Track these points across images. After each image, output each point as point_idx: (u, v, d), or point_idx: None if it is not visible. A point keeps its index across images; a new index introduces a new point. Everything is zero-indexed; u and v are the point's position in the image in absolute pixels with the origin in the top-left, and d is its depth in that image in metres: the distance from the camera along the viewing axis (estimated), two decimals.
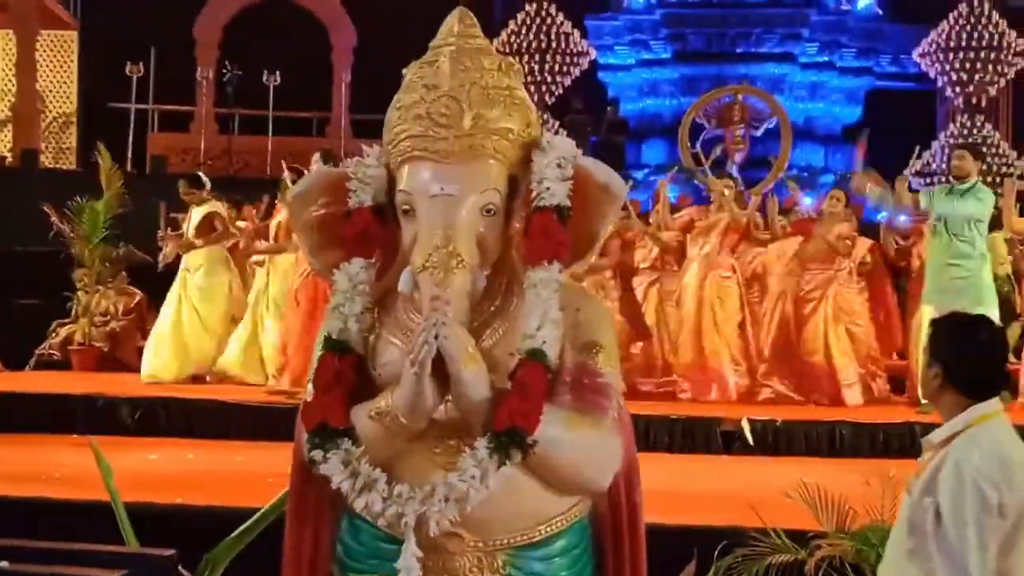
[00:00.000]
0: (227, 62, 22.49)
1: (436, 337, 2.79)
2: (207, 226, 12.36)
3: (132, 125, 21.09)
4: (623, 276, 12.42)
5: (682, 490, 8.02)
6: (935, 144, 19.49)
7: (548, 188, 3.01)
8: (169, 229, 12.78)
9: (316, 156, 11.61)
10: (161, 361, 12.15)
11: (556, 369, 2.99)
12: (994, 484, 3.44)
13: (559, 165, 3.04)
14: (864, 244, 12.20)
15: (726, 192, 12.32)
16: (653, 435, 9.92)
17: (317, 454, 2.91)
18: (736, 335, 11.96)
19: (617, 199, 3.09)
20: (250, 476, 7.99)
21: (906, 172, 11.74)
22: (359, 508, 2.88)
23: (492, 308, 3.08)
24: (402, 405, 2.87)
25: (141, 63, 21.11)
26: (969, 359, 3.63)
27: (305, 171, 11.80)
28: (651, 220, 12.86)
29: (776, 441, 10.05)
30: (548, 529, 3.05)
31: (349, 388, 2.99)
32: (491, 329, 3.05)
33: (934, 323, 3.87)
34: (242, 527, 4.78)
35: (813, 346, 11.74)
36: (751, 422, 10.02)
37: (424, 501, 2.81)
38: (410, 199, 3.00)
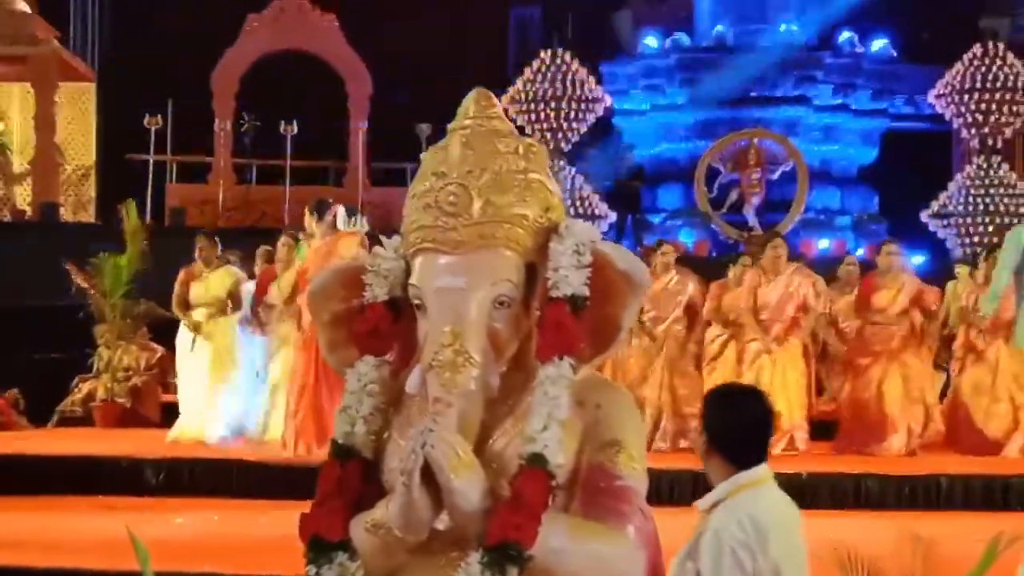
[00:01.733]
0: (244, 113, 22.61)
1: (424, 445, 2.63)
2: (233, 297, 12.27)
3: (151, 177, 21.21)
4: None
5: None
6: (952, 185, 19.50)
7: (564, 277, 2.82)
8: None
9: (308, 208, 11.37)
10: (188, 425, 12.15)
11: (572, 471, 2.81)
12: (749, 550, 3.56)
13: (576, 251, 2.84)
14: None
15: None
16: (676, 490, 9.88)
17: (311, 569, 2.78)
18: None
19: (639, 287, 2.90)
20: (275, 540, 7.94)
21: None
22: None
23: (506, 407, 2.87)
24: (395, 517, 2.70)
25: (159, 115, 21.25)
26: (732, 428, 3.70)
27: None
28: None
29: (802, 494, 9.99)
30: None
31: (352, 496, 2.83)
32: (502, 429, 2.84)
33: (707, 392, 4.04)
34: None
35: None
36: (776, 476, 9.96)
37: None
38: (420, 293, 2.84)
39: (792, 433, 11.67)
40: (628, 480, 2.82)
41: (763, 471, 3.73)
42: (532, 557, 2.62)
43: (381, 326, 2.95)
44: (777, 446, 11.48)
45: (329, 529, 2.78)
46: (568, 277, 2.81)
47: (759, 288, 11.87)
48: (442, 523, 2.71)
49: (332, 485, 2.83)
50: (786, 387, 11.64)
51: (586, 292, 2.83)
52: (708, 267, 14.64)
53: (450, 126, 3.00)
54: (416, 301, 2.86)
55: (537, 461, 2.69)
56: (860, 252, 20.31)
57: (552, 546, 2.66)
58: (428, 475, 2.63)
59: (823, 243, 20.27)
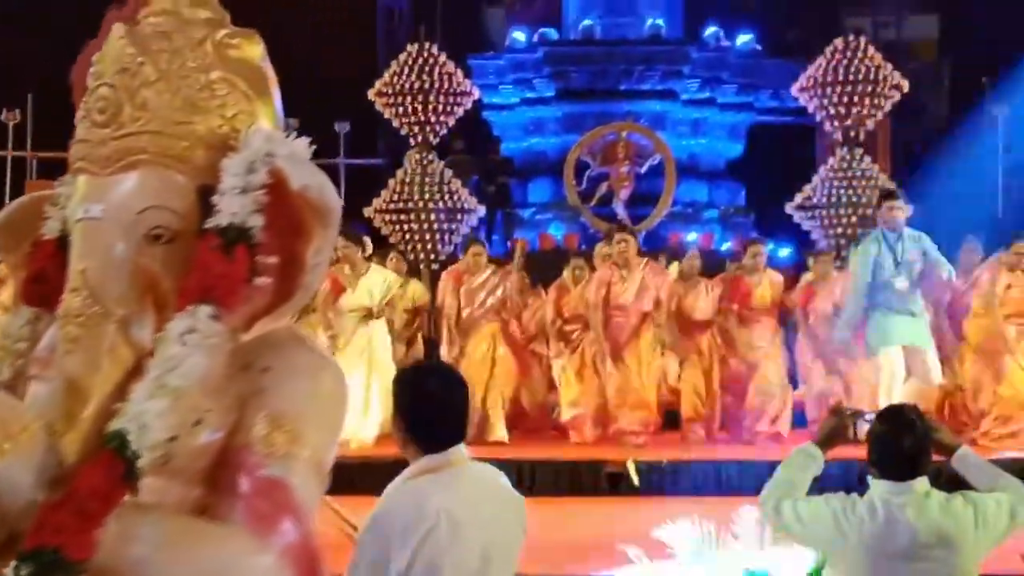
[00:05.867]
0: None
1: None
2: None
3: (9, 173, 20.69)
4: None
5: (565, 538, 7.93)
6: (815, 178, 19.70)
7: (224, 202, 2.27)
8: None
9: None
10: None
11: (220, 455, 2.23)
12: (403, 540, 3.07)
13: (247, 170, 2.28)
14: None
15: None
16: (539, 478, 9.88)
17: None
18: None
19: (321, 211, 2.32)
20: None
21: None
22: None
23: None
24: None
25: (17, 110, 20.73)
26: (421, 409, 3.28)
27: None
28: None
29: (663, 481, 10.06)
30: None
31: None
32: None
33: (397, 373, 3.61)
34: None
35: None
36: (636, 463, 10.04)
37: None
38: (70, 227, 2.34)
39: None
40: (280, 470, 2.24)
41: (452, 456, 3.28)
42: (83, 569, 2.03)
43: (47, 269, 2.40)
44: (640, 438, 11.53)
45: None
46: (228, 202, 2.27)
47: (613, 284, 11.67)
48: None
49: None
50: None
51: (254, 222, 2.27)
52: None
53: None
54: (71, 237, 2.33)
55: (113, 441, 2.09)
56: (727, 245, 20.48)
57: (133, 554, 2.09)
58: None
59: (691, 236, 20.36)
